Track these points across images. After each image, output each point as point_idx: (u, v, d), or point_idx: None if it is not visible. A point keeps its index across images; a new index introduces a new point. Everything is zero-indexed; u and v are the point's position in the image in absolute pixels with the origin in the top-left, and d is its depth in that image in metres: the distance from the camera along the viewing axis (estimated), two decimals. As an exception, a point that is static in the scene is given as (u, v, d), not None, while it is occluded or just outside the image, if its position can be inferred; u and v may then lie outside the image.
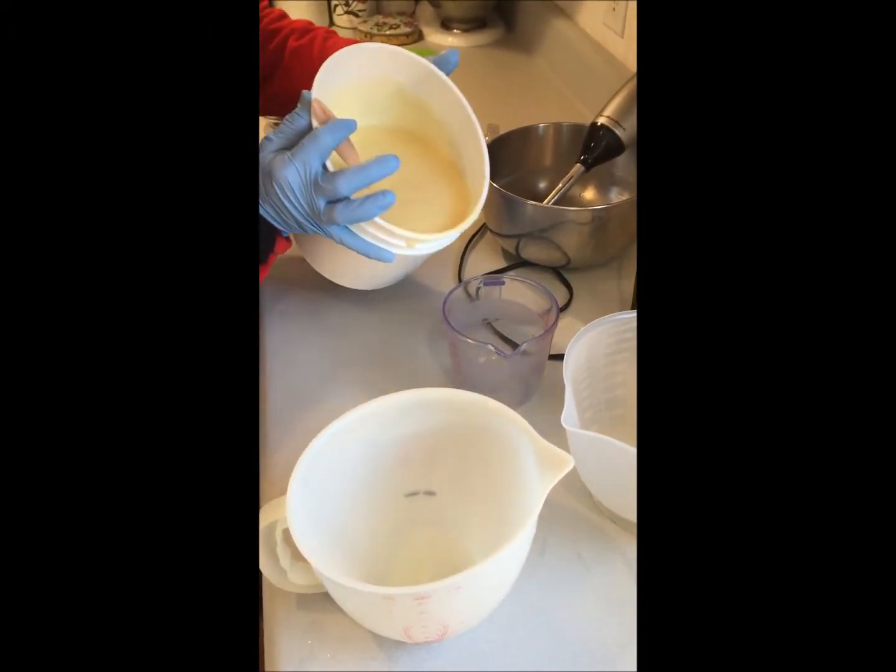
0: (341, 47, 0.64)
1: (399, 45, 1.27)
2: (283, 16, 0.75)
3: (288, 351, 0.67)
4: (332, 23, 1.35)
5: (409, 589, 0.35)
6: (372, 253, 0.55)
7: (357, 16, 1.31)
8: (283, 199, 0.51)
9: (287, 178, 0.50)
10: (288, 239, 0.58)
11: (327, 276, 0.67)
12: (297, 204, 0.52)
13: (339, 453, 0.46)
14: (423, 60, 0.62)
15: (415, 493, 0.51)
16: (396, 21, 1.28)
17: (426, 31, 1.29)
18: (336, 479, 0.46)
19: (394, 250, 0.56)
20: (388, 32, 1.26)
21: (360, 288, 0.67)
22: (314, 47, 0.71)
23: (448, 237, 0.58)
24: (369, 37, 1.27)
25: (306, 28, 0.73)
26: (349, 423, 0.46)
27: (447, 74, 0.64)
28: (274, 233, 0.56)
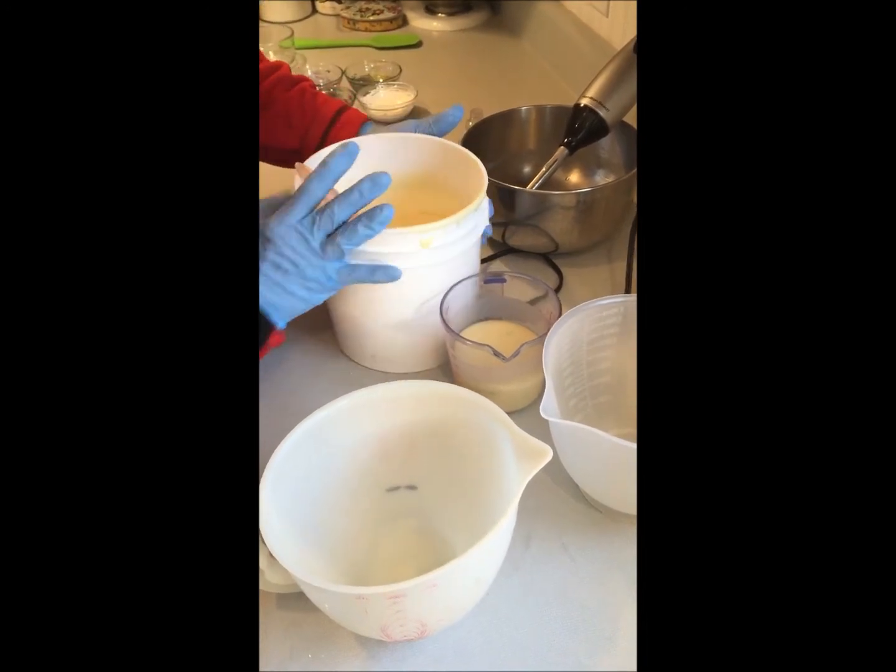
0: (322, 103, 0.69)
1: (383, 30, 1.26)
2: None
3: (281, 353, 0.66)
4: (314, 10, 1.33)
5: (382, 588, 0.34)
6: (379, 274, 0.53)
7: (340, 2, 1.29)
8: (280, 257, 0.49)
9: (282, 234, 0.49)
10: (282, 333, 0.54)
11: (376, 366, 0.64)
12: (295, 257, 0.50)
13: (315, 450, 0.45)
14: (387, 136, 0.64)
15: (396, 488, 0.50)
16: (380, 6, 1.26)
17: (410, 15, 1.27)
18: (313, 475, 0.45)
19: (407, 261, 0.54)
20: (371, 18, 1.24)
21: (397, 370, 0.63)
22: (304, 101, 0.70)
23: (463, 216, 0.55)
24: (353, 23, 1.25)
25: (292, 80, 0.71)
26: (323, 419, 0.45)
27: (447, 132, 0.64)
28: (268, 327, 0.52)
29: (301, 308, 0.53)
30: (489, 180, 0.59)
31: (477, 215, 0.57)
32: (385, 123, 0.73)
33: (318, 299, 0.53)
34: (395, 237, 0.53)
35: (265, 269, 0.50)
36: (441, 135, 0.64)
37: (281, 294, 0.51)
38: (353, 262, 0.52)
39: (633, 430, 0.54)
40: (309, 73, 1.04)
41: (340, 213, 0.49)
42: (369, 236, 0.50)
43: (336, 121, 0.68)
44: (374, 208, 0.49)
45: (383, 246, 0.53)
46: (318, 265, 0.51)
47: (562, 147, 0.73)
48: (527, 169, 0.81)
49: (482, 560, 0.39)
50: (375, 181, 0.49)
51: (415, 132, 0.64)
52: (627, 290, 0.68)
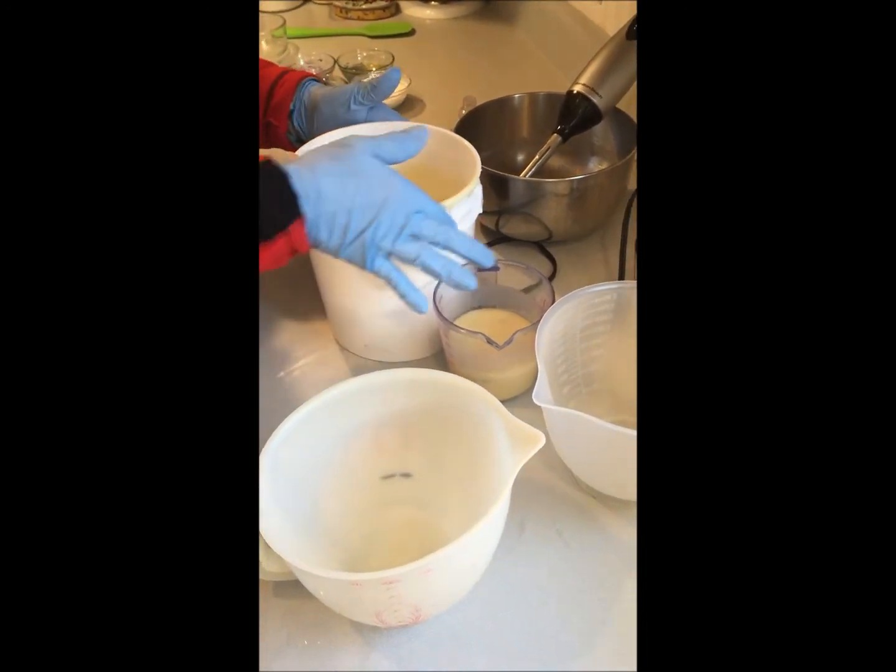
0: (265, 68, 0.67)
1: (375, 18, 1.25)
2: None
3: (276, 342, 0.66)
4: (307, -1, 1.33)
5: (376, 574, 0.35)
6: (410, 297, 0.51)
7: (332, -9, 1.28)
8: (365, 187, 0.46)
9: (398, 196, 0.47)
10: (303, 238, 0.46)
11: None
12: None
13: (309, 438, 0.45)
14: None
15: (391, 476, 0.50)
16: (372, -5, 1.25)
17: (403, 4, 1.27)
18: (308, 464, 0.46)
19: None
20: (363, 6, 1.23)
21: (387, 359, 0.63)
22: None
23: (456, 201, 0.55)
24: (345, 12, 1.24)
25: None
26: (317, 407, 0.45)
27: (386, 96, 0.63)
28: (290, 210, 0.45)
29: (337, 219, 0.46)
30: (483, 169, 0.59)
31: (470, 201, 0.57)
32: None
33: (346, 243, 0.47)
34: None
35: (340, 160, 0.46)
36: (381, 100, 0.64)
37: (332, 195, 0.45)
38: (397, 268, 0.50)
39: (627, 416, 0.54)
40: (301, 63, 1.03)
41: (452, 243, 0.49)
42: (434, 273, 0.50)
43: (277, 82, 0.67)
44: (468, 275, 0.50)
45: None
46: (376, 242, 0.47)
47: (555, 134, 0.72)
48: (520, 157, 0.81)
49: (476, 545, 0.39)
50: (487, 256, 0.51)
51: (353, 97, 0.63)
52: (621, 277, 0.68)
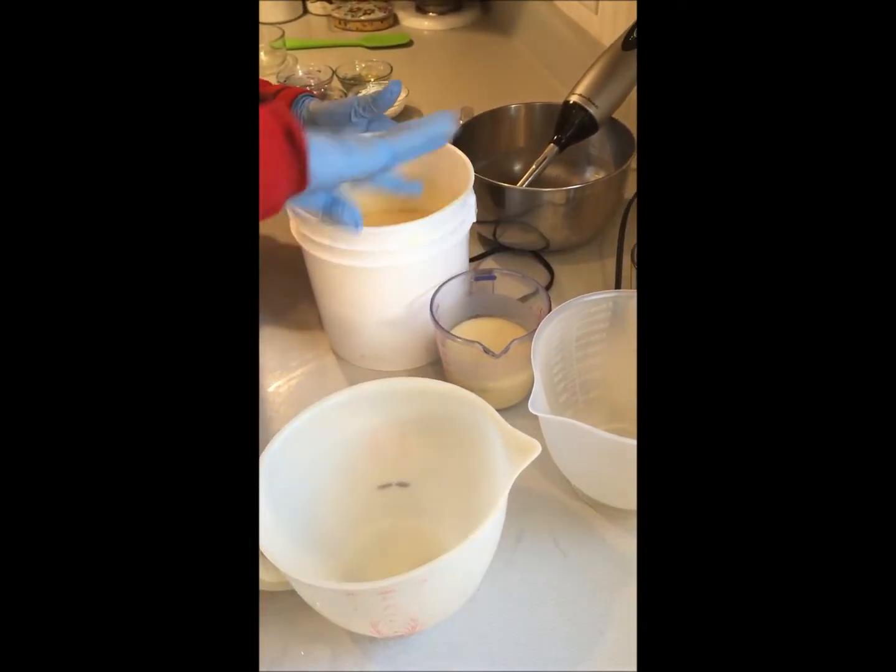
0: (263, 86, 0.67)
1: (374, 30, 1.26)
2: None
3: (273, 353, 0.66)
4: (305, 10, 1.33)
5: (372, 584, 0.35)
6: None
7: (331, 2, 1.29)
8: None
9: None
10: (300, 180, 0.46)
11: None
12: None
13: (306, 447, 0.45)
14: None
15: (387, 485, 0.50)
16: (371, 6, 1.26)
17: (401, 15, 1.28)
18: (304, 473, 0.46)
19: (396, 259, 0.55)
20: (362, 18, 1.24)
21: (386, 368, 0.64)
22: None
23: (450, 211, 0.56)
24: (343, 23, 1.25)
25: None
26: (313, 416, 0.45)
27: (387, 108, 0.64)
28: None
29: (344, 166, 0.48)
30: (480, 178, 0.59)
31: (464, 211, 0.57)
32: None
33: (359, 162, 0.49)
34: (383, 236, 0.53)
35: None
36: (381, 112, 0.63)
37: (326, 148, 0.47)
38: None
39: (624, 424, 0.54)
40: (300, 74, 1.04)
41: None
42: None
43: (273, 99, 0.67)
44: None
45: (371, 244, 0.53)
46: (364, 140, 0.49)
47: (552, 144, 0.73)
48: (517, 167, 0.81)
49: (472, 555, 0.39)
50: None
51: (354, 109, 0.62)
52: (618, 286, 0.68)
